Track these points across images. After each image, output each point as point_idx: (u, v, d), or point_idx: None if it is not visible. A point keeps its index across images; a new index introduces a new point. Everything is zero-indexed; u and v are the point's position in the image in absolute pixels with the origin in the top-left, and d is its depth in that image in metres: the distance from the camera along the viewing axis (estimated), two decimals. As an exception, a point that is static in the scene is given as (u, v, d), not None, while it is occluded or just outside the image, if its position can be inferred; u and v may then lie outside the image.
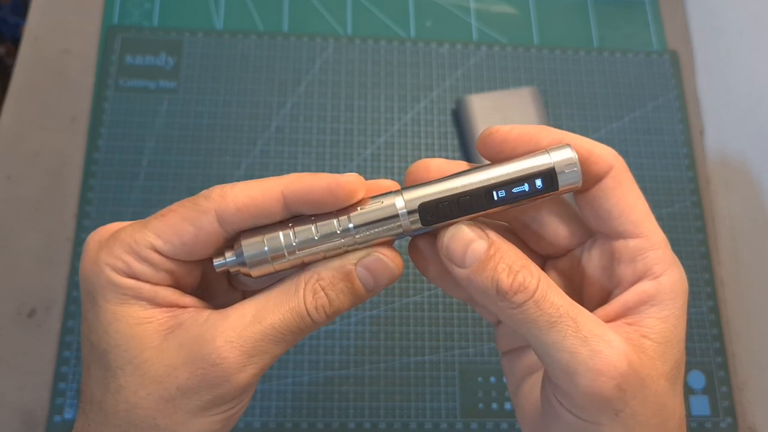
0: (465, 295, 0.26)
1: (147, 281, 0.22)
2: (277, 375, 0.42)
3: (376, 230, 0.21)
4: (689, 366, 0.45)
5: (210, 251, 0.22)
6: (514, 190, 0.21)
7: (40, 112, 0.47)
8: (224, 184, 0.22)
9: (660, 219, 0.53)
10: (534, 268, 0.20)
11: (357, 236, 0.21)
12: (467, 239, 0.21)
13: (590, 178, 0.21)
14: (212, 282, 0.26)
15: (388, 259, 0.22)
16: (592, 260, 0.23)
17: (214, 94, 0.48)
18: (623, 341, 0.19)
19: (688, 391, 0.44)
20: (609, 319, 0.21)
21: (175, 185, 0.46)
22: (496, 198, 0.21)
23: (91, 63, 0.48)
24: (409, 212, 0.21)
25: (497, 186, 0.21)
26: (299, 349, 0.43)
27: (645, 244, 0.21)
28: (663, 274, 0.21)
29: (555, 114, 0.50)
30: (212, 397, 0.21)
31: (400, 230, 0.21)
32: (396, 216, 0.21)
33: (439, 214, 0.21)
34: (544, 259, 0.25)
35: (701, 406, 0.44)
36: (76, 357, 0.41)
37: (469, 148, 0.47)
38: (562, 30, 0.54)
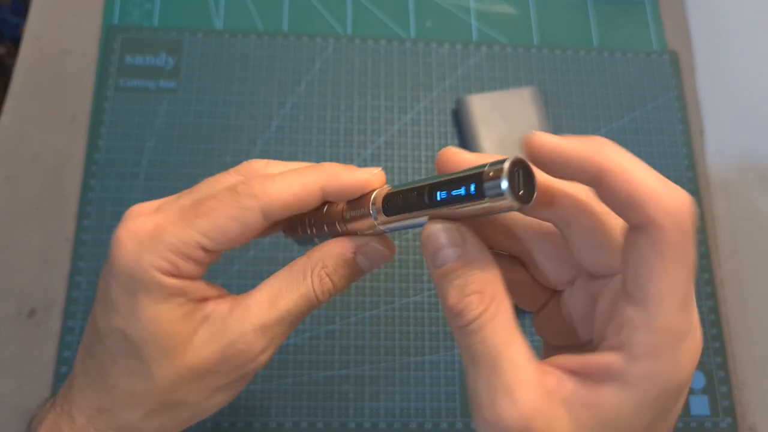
0: None
1: (189, 278, 0.23)
2: (277, 375, 0.42)
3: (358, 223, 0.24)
4: (689, 366, 0.45)
5: (249, 240, 0.24)
6: (453, 193, 0.20)
7: (40, 112, 0.47)
8: (263, 177, 0.23)
9: (660, 219, 0.52)
10: (488, 298, 0.19)
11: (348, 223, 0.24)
12: (439, 243, 0.20)
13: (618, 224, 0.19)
14: None
15: (383, 246, 0.24)
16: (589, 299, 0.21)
17: (214, 94, 0.48)
18: (531, 404, 0.18)
19: (687, 391, 0.44)
20: (568, 370, 0.19)
21: (176, 185, 0.46)
22: (438, 198, 0.20)
23: (91, 63, 0.48)
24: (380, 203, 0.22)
25: (440, 185, 0.20)
26: (299, 349, 0.43)
27: (645, 320, 0.18)
28: (644, 360, 0.18)
29: (555, 114, 0.50)
30: (238, 376, 0.24)
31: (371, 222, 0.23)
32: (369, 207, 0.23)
33: (394, 207, 0.22)
34: (554, 291, 0.24)
35: (701, 405, 0.44)
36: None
37: (468, 149, 0.47)
38: (562, 30, 0.54)
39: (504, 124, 0.47)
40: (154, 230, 0.22)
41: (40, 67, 0.48)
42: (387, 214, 0.22)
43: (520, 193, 0.18)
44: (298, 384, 0.42)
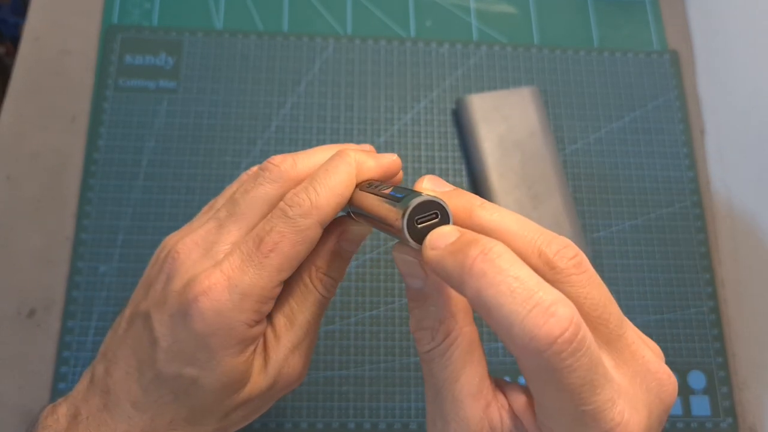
0: None
1: (266, 313, 0.24)
2: (276, 375, 0.42)
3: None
4: (690, 366, 0.45)
5: None
6: (393, 192, 0.21)
7: (39, 112, 0.47)
8: (303, 189, 0.23)
9: (660, 219, 0.53)
10: (441, 335, 0.20)
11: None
12: (403, 271, 0.21)
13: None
14: None
15: (357, 226, 0.26)
16: None
17: (213, 94, 0.48)
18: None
19: (688, 391, 0.44)
20: (514, 409, 0.20)
21: (175, 185, 0.46)
22: (392, 194, 0.21)
23: (91, 63, 0.48)
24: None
25: (396, 188, 0.22)
26: (299, 349, 0.43)
27: (548, 425, 0.18)
28: None
29: (555, 114, 0.50)
30: (286, 392, 0.26)
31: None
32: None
33: (363, 187, 0.24)
34: None
35: (701, 406, 0.44)
36: (76, 357, 0.41)
37: (468, 148, 0.47)
38: (562, 30, 0.54)
39: (504, 124, 0.47)
40: (229, 285, 0.22)
41: (40, 66, 0.48)
42: (360, 189, 0.24)
43: (418, 232, 0.19)
44: (297, 384, 0.42)
